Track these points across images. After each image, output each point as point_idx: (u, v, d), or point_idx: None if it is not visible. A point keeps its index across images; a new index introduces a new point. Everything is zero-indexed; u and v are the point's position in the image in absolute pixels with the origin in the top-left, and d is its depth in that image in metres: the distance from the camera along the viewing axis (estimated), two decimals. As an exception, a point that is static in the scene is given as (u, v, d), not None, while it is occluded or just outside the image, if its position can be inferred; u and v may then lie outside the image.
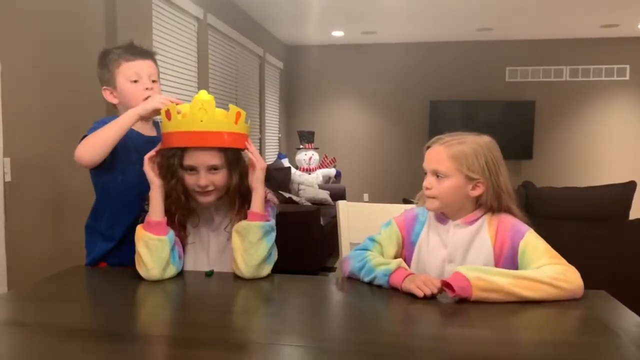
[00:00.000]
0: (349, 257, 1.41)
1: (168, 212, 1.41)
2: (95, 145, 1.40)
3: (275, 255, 1.44)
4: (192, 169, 1.39)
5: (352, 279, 1.37)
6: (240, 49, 5.28)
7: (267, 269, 1.40)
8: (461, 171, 1.29)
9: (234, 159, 1.42)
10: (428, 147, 1.37)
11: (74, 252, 2.65)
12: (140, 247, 1.34)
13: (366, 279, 1.31)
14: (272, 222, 1.44)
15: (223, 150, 1.39)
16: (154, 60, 1.65)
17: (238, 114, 1.40)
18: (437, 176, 1.32)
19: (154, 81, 1.59)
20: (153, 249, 1.34)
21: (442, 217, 1.38)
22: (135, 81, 1.55)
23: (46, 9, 2.46)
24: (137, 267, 1.36)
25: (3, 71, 2.18)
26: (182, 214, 1.44)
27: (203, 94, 1.39)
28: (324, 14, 5.55)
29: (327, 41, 6.94)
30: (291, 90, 7.28)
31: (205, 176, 1.39)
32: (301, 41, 6.98)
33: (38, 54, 2.41)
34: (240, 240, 1.38)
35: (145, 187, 1.41)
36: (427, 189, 1.33)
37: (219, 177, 1.41)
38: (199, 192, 1.41)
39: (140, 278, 1.35)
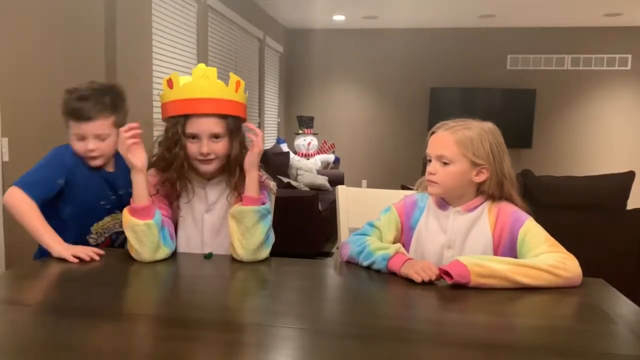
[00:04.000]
0: (348, 241, 1.41)
1: (168, 181, 1.43)
2: (19, 219, 1.43)
3: (272, 238, 1.44)
4: (194, 137, 1.41)
5: (351, 263, 1.38)
6: (240, 32, 5.23)
7: (265, 252, 1.40)
8: (466, 156, 1.29)
9: (235, 127, 1.44)
10: (432, 133, 1.36)
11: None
12: (128, 233, 1.35)
13: (365, 264, 1.32)
14: (268, 204, 1.44)
15: (224, 118, 1.41)
16: (108, 114, 1.49)
17: (238, 83, 1.43)
18: (442, 162, 1.31)
19: (101, 138, 1.48)
20: (141, 234, 1.33)
21: (443, 203, 1.38)
22: (83, 139, 1.48)
23: (44, -13, 2.42)
24: (129, 250, 1.37)
25: (1, 51, 2.16)
26: (182, 184, 1.45)
27: (203, 65, 1.42)
28: (326, -3, 5.49)
29: (328, 25, 6.88)
30: (291, 74, 7.23)
31: (208, 144, 1.40)
32: (302, 25, 6.92)
33: (36, 32, 2.38)
34: (236, 225, 1.38)
35: (89, 220, 1.50)
36: (430, 174, 1.33)
37: (221, 146, 1.42)
38: (201, 160, 1.43)
39: (137, 259, 1.35)
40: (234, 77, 1.43)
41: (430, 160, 1.35)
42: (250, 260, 1.37)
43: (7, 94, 2.20)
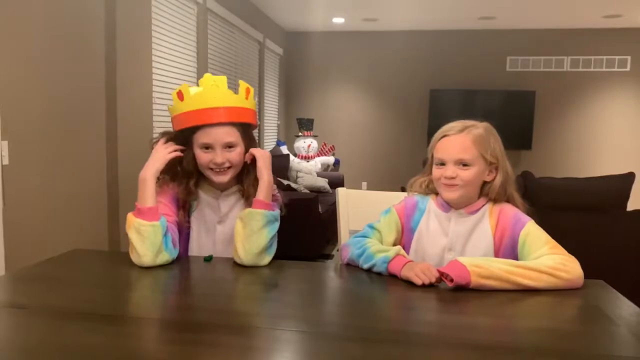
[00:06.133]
0: (348, 244, 1.41)
1: (176, 189, 1.43)
2: None
3: (275, 246, 1.42)
4: (207, 147, 1.40)
5: (351, 266, 1.37)
6: (239, 34, 5.24)
7: (266, 259, 1.38)
8: (484, 157, 1.30)
9: (247, 135, 1.45)
10: (444, 136, 1.35)
11: (72, 236, 2.65)
12: (132, 234, 1.32)
13: (365, 266, 1.31)
14: (277, 212, 1.43)
15: (237, 126, 1.41)
16: None
17: (247, 90, 1.43)
18: (462, 165, 1.31)
19: None
20: (145, 235, 1.31)
21: (445, 205, 1.38)
22: None
23: (44, -9, 2.43)
24: (130, 254, 1.34)
25: (0, 54, 2.16)
26: (187, 192, 1.45)
27: (210, 75, 1.42)
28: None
29: (328, 28, 6.88)
30: (291, 76, 7.23)
31: (222, 154, 1.40)
32: (301, 27, 6.93)
33: (36, 35, 2.38)
34: (242, 227, 1.36)
35: None
36: (451, 178, 1.32)
37: (235, 155, 1.42)
38: (214, 170, 1.42)
39: (138, 262, 1.35)
40: (243, 85, 1.43)
41: (442, 164, 1.33)
42: (251, 264, 1.36)
43: (7, 97, 2.20)
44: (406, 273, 1.22)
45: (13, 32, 2.24)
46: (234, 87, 1.42)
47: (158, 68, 3.53)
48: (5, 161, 2.21)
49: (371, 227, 1.42)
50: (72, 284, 1.22)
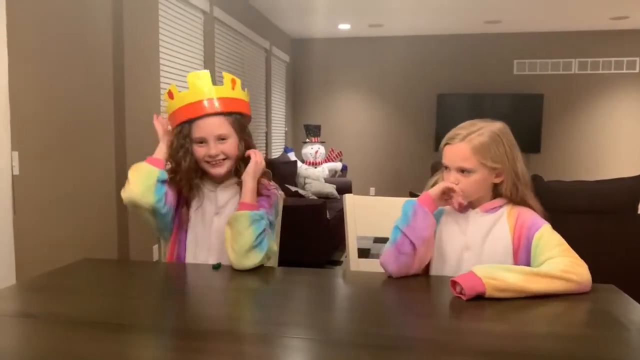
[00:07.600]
0: (383, 253, 1.36)
1: (176, 187, 1.47)
2: None
3: (267, 244, 1.38)
4: (202, 141, 1.44)
5: (362, 273, 1.36)
6: (246, 42, 5.27)
7: (256, 257, 1.35)
8: (485, 164, 1.30)
9: (240, 125, 1.48)
10: (447, 144, 1.36)
11: (81, 244, 2.67)
12: (130, 171, 1.43)
13: (401, 230, 1.32)
14: (262, 211, 1.42)
15: (227, 116, 1.44)
16: None
17: (233, 81, 1.47)
18: (463, 172, 1.32)
19: None
20: (141, 171, 1.42)
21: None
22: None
23: (52, 2, 2.46)
24: (122, 192, 1.43)
25: (11, 65, 2.19)
26: (189, 188, 1.48)
27: (192, 73, 1.47)
28: (331, 6, 5.52)
29: (334, 34, 6.91)
30: (297, 83, 7.26)
31: (215, 146, 1.43)
32: (307, 34, 6.95)
33: (45, 47, 2.41)
34: (229, 230, 1.39)
35: None
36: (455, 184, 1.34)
37: (228, 146, 1.45)
38: (210, 164, 1.45)
39: (146, 271, 1.35)
40: (227, 76, 1.47)
41: (446, 168, 1.36)
42: (242, 265, 1.34)
43: (17, 108, 2.23)
44: (438, 185, 1.32)
45: (22, 46, 2.27)
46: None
47: (165, 77, 3.56)
48: (16, 171, 2.24)
49: (396, 227, 1.41)
50: (81, 293, 1.23)
